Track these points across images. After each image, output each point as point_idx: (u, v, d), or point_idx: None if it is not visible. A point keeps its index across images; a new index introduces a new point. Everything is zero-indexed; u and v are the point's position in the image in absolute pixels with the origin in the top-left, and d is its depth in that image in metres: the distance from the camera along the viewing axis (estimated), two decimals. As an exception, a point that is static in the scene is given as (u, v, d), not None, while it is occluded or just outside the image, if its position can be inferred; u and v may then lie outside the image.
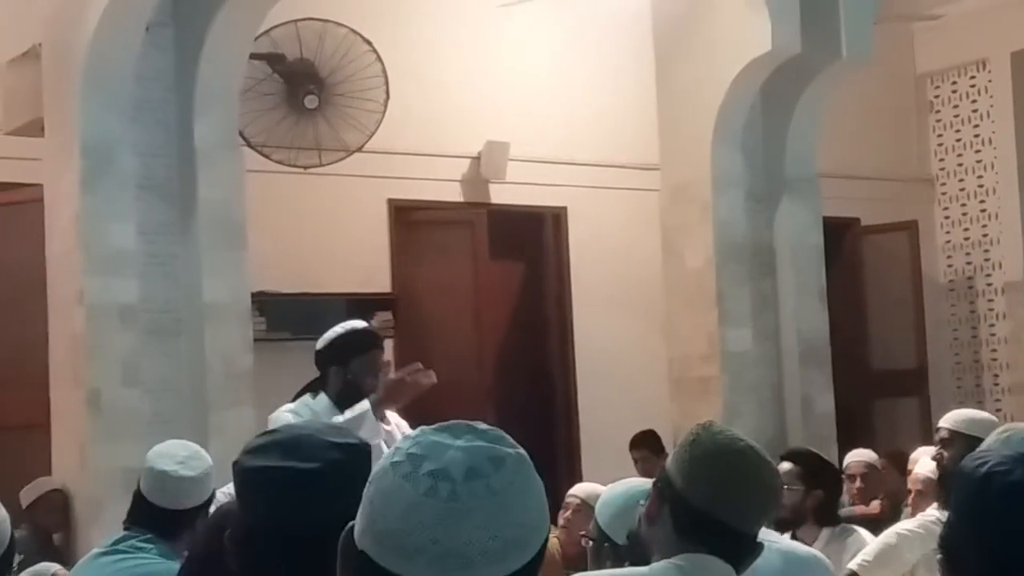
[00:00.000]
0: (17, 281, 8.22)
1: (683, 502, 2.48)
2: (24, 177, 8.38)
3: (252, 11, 8.12)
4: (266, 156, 8.98)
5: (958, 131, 12.71)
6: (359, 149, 9.27)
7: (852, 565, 5.33)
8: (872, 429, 11.67)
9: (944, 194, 12.84)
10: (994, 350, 12.46)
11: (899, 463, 7.81)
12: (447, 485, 1.59)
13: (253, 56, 8.55)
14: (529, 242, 10.80)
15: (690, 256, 10.30)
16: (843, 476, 7.55)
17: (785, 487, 5.46)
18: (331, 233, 9.59)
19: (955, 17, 12.35)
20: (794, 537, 5.42)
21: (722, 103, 10.02)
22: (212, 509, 3.69)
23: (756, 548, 2.56)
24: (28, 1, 8.32)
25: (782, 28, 9.60)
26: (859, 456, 8.30)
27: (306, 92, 9.02)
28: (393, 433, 5.18)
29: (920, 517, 5.42)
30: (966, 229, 12.66)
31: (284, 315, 9.15)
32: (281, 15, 8.69)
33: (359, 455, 2.24)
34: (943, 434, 5.32)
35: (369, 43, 9.15)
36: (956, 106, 12.73)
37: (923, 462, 6.06)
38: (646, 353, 10.53)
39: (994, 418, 5.54)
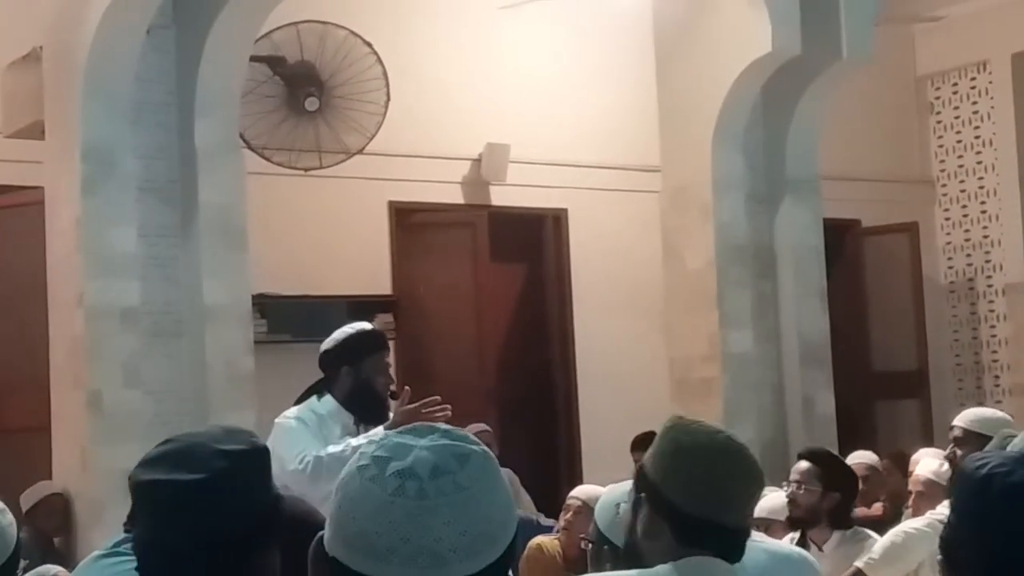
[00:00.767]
0: (18, 283, 8.23)
1: (679, 513, 2.47)
2: (25, 180, 8.38)
3: (253, 13, 8.12)
4: (267, 158, 8.99)
5: (959, 132, 12.71)
6: (360, 151, 9.28)
7: (859, 563, 5.33)
8: (873, 430, 11.66)
9: (945, 195, 12.84)
10: (995, 352, 12.46)
11: (901, 465, 7.80)
12: (414, 483, 1.60)
13: (254, 58, 8.56)
14: (530, 244, 10.80)
15: (691, 257, 10.31)
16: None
17: (803, 486, 5.46)
18: (332, 235, 9.59)
19: (956, 18, 12.35)
20: (804, 537, 5.42)
21: (723, 105, 10.02)
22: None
23: (747, 539, 2.57)
24: (29, 3, 8.32)
25: (782, 29, 9.60)
26: (861, 458, 8.27)
27: (307, 94, 9.03)
28: None
29: (929, 515, 5.40)
30: (967, 230, 12.66)
31: (285, 317, 9.16)
32: (282, 17, 8.70)
33: (249, 460, 2.22)
34: (957, 432, 5.33)
35: (369, 45, 9.16)
36: (957, 107, 12.73)
37: (924, 463, 6.05)
38: (647, 354, 10.53)
39: (1008, 417, 5.55)
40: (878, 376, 12.17)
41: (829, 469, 5.53)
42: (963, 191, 12.69)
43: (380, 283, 9.81)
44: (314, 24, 9.03)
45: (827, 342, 10.44)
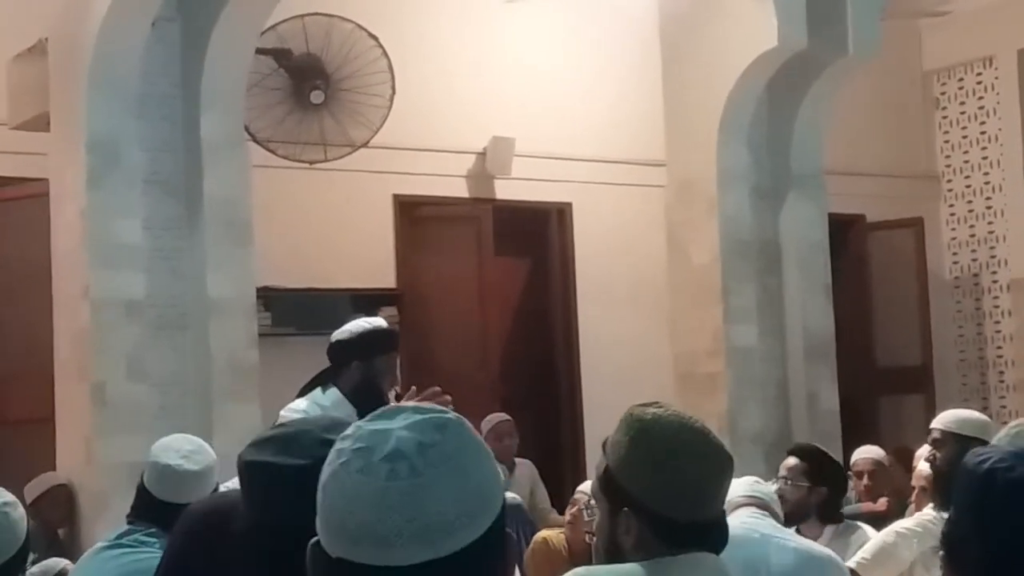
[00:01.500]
0: (22, 275, 8.24)
1: (666, 521, 2.48)
2: (30, 172, 8.38)
3: (258, 6, 8.12)
4: (272, 151, 8.99)
5: (964, 128, 12.71)
6: (365, 144, 9.28)
7: (851, 563, 5.34)
8: (877, 426, 11.67)
9: (950, 191, 12.83)
10: (999, 347, 12.45)
11: (906, 460, 7.80)
12: (405, 464, 1.60)
13: (259, 51, 8.56)
14: (534, 238, 10.80)
15: (696, 252, 10.31)
16: (849, 474, 7.55)
17: (790, 483, 5.51)
18: (336, 228, 9.59)
19: (962, 14, 12.34)
20: (797, 532, 5.43)
21: (728, 99, 10.02)
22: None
23: (726, 524, 2.57)
24: (34, -4, 8.33)
25: (789, 24, 9.60)
26: (867, 453, 8.29)
27: (312, 87, 9.04)
28: None
29: (918, 516, 5.43)
30: (972, 226, 12.66)
31: (289, 310, 9.16)
32: (287, 10, 8.69)
33: None
34: (935, 435, 5.30)
35: (375, 38, 9.16)
36: (963, 103, 12.72)
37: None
38: (651, 349, 10.54)
39: (986, 418, 5.52)
40: (882, 371, 12.18)
41: (816, 465, 5.59)
42: (968, 187, 12.69)
43: (384, 276, 9.81)
44: (320, 17, 9.04)
45: (831, 337, 10.44)
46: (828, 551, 3.83)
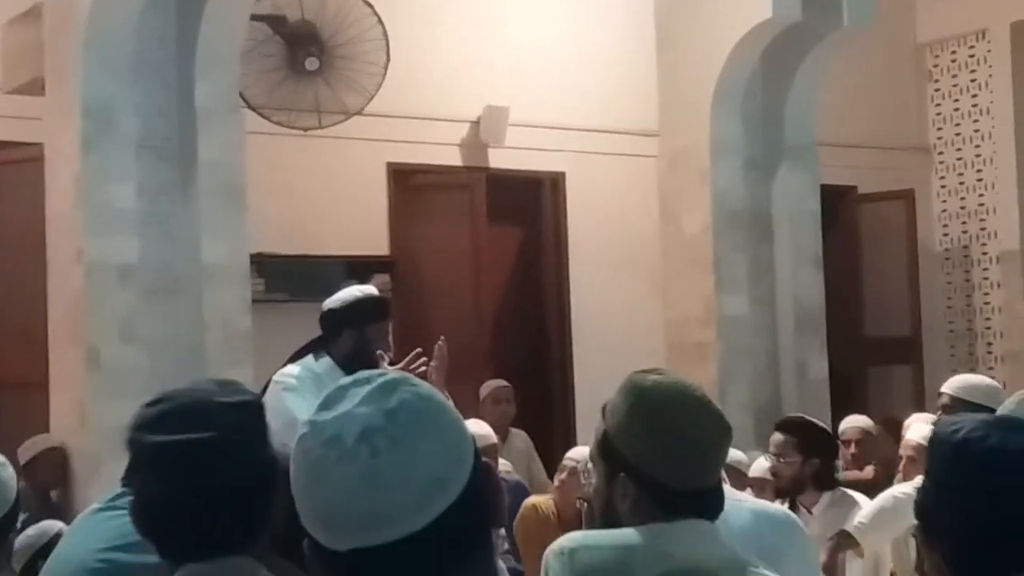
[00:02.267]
0: (16, 240, 8.25)
1: (665, 488, 2.50)
2: (24, 136, 8.39)
3: (253, -28, 8.12)
4: (266, 118, 9.00)
5: (956, 100, 12.72)
6: (359, 112, 9.29)
7: (848, 527, 5.38)
8: (865, 396, 11.72)
9: (941, 163, 12.85)
10: (988, 319, 12.50)
11: (894, 430, 7.85)
12: (382, 437, 1.58)
13: (254, 17, 8.55)
14: (527, 207, 10.81)
15: (688, 222, 10.34)
16: (839, 440, 7.58)
17: (782, 459, 5.52)
18: (330, 195, 9.60)
19: (956, -14, 12.35)
20: (794, 504, 5.47)
21: (722, 70, 10.03)
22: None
23: (722, 494, 2.60)
24: (29, -40, 8.32)
25: (783, -5, 9.62)
26: (854, 422, 8.35)
27: (307, 54, 9.03)
28: None
29: (918, 480, 5.44)
30: (963, 198, 12.69)
31: (283, 277, 9.17)
32: (282, -24, 8.69)
33: (252, 412, 2.25)
34: (944, 400, 5.35)
35: (370, 5, 9.16)
36: (955, 76, 12.73)
37: (915, 429, 6.09)
38: (643, 317, 10.57)
39: (997, 385, 5.57)
40: (871, 342, 12.22)
41: (806, 437, 5.58)
42: (960, 159, 12.71)
43: (378, 244, 9.83)
44: (315, -17, 9.03)
45: (822, 308, 10.48)
46: (785, 510, 3.86)
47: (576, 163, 10.66)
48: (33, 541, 4.79)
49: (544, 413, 10.53)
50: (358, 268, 9.17)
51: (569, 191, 10.71)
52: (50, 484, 7.73)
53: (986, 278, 12.52)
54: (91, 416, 7.54)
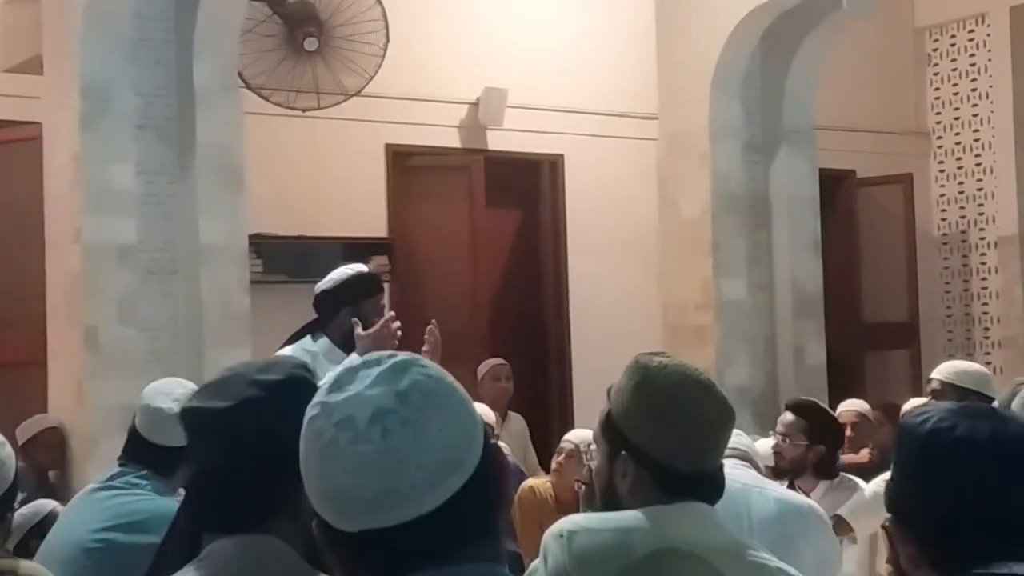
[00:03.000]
0: (14, 220, 8.24)
1: (667, 470, 2.50)
2: (22, 115, 8.38)
3: (253, -48, 8.10)
4: (265, 98, 8.98)
5: (955, 85, 12.71)
6: (358, 93, 9.27)
7: (842, 511, 5.39)
8: (863, 381, 11.72)
9: (940, 148, 12.85)
10: (985, 304, 12.51)
11: (892, 415, 7.85)
12: (394, 418, 1.58)
13: (253, -3, 8.54)
14: (526, 189, 10.81)
15: (686, 205, 10.34)
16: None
17: (788, 440, 5.50)
18: (328, 177, 9.59)
19: (956, -30, 12.34)
20: (791, 486, 5.47)
21: (721, 52, 10.02)
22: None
23: (723, 476, 2.60)
24: (28, -62, 8.30)
25: (783, -22, 9.61)
26: (851, 406, 8.34)
27: (306, 34, 9.02)
28: None
29: None
30: (961, 183, 12.68)
31: (281, 257, 9.18)
32: (281, -43, 8.67)
33: (279, 390, 2.21)
34: (935, 385, 5.34)
35: (369, -14, 9.14)
36: (954, 60, 12.72)
37: (912, 413, 6.09)
38: (641, 301, 10.58)
39: (986, 370, 5.57)
40: (869, 327, 12.22)
41: (815, 422, 5.55)
42: (958, 143, 12.70)
43: (376, 225, 9.82)
44: (314, -36, 9.01)
45: (820, 292, 10.49)
46: (809, 501, 3.85)
47: (575, 145, 10.65)
48: (27, 520, 4.80)
49: (541, 396, 10.54)
50: (356, 249, 9.16)
51: (568, 174, 10.70)
52: (48, 464, 7.74)
53: (984, 263, 12.52)
54: (89, 396, 7.55)
